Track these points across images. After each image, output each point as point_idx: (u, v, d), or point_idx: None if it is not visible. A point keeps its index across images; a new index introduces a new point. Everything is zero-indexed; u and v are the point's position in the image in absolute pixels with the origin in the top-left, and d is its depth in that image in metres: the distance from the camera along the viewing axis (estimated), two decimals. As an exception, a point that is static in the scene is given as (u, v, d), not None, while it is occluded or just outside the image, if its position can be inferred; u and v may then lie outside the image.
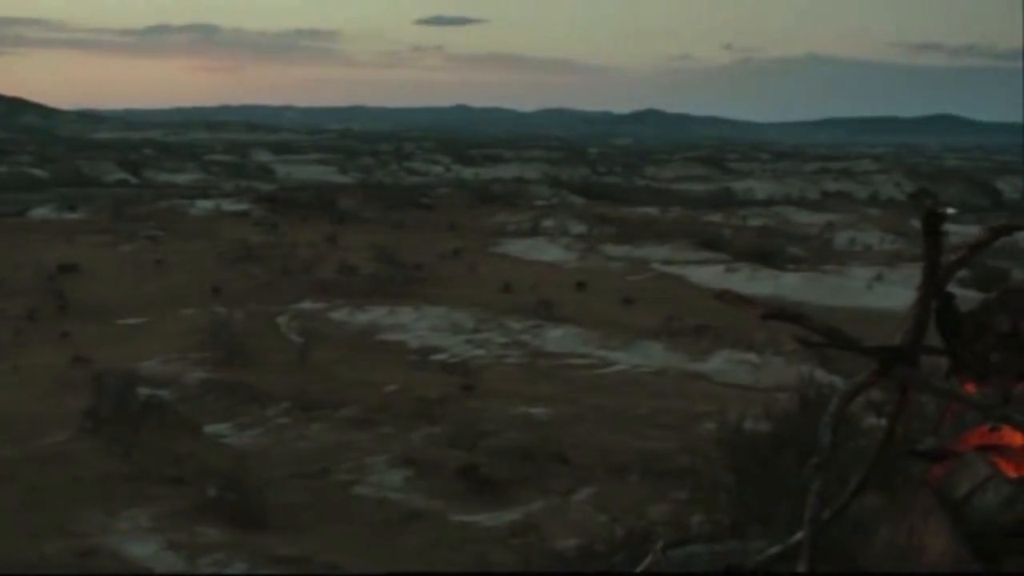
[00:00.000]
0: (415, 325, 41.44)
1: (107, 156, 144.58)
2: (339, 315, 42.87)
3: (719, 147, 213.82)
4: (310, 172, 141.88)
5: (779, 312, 5.78)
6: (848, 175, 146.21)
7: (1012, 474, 5.55)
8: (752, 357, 36.36)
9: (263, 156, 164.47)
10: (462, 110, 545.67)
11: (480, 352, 37.88)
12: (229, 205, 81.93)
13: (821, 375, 21.05)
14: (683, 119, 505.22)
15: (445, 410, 29.59)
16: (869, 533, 6.30)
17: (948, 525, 5.55)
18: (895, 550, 5.85)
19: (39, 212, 78.85)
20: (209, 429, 27.79)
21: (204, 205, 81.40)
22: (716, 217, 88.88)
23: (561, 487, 23.99)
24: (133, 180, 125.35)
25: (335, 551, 20.21)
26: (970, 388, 5.91)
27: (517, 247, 65.22)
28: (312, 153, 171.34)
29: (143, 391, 28.42)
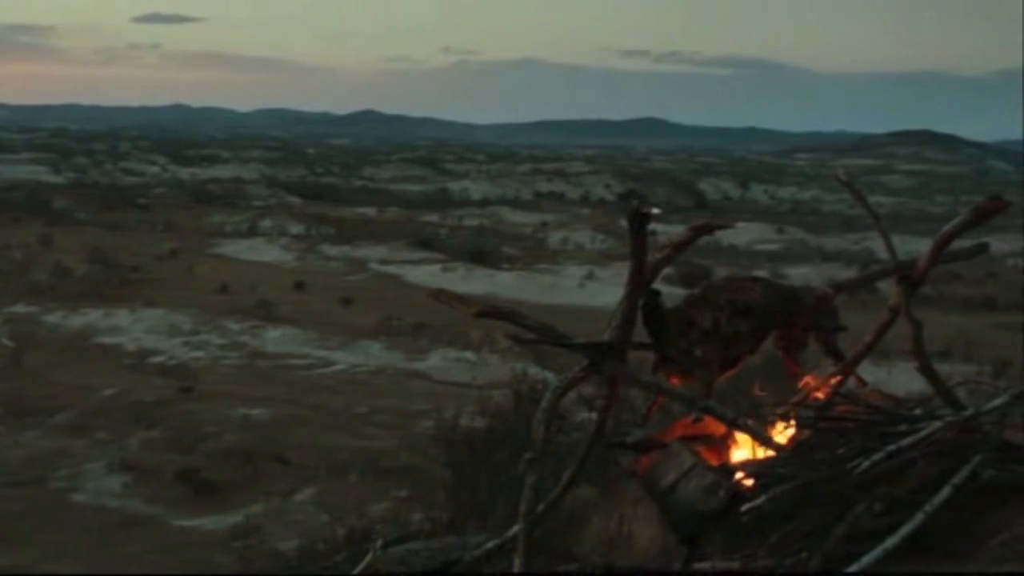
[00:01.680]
0: (132, 327, 40.50)
1: None
2: (53, 318, 41.55)
3: (436, 148, 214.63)
4: (22, 172, 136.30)
5: (492, 310, 5.90)
6: (561, 176, 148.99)
7: (714, 462, 5.81)
8: (469, 355, 36.80)
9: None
10: (179, 109, 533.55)
11: (199, 354, 37.28)
12: (-65, 206, 78.47)
13: (535, 371, 21.43)
14: (401, 120, 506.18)
15: (164, 413, 29.00)
16: (582, 524, 6.49)
17: (656, 513, 5.76)
18: (606, 539, 6.05)
19: None
20: (-85, 439, 26.61)
21: (-92, 207, 77.75)
22: (433, 217, 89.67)
23: (282, 488, 23.83)
24: None
25: (53, 560, 19.63)
26: (675, 381, 6.15)
27: (235, 248, 64.47)
28: (24, 152, 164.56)
29: None
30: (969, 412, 5.63)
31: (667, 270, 6.41)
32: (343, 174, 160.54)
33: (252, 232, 72.12)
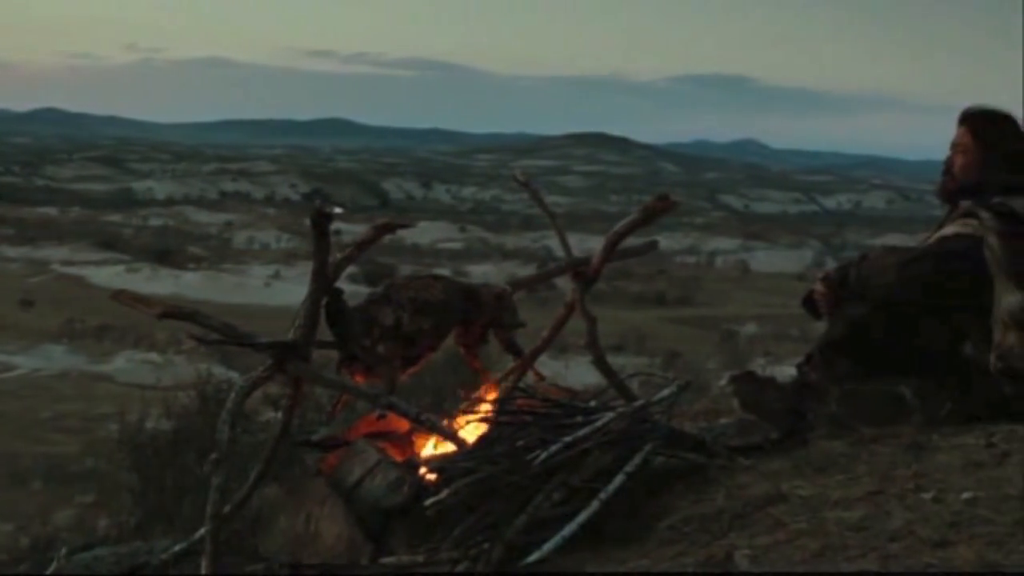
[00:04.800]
0: None
1: None
2: None
3: (120, 147, 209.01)
4: None
5: (175, 311, 5.83)
6: (246, 176, 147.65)
7: (398, 458, 5.90)
8: (154, 357, 36.22)
9: None
10: None
11: None
12: None
13: (220, 372, 21.21)
14: (83, 118, 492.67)
15: None
16: (269, 523, 6.49)
17: (342, 511, 5.82)
18: (293, 538, 6.07)
19: None
20: None
21: None
22: (117, 217, 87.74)
23: (-39, 499, 22.98)
24: None
25: None
26: (359, 379, 6.21)
27: (-97, 252, 61.62)
28: None
29: None
30: (640, 403, 5.86)
31: (351, 269, 6.46)
32: (23, 173, 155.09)
33: (-79, 234, 69.01)
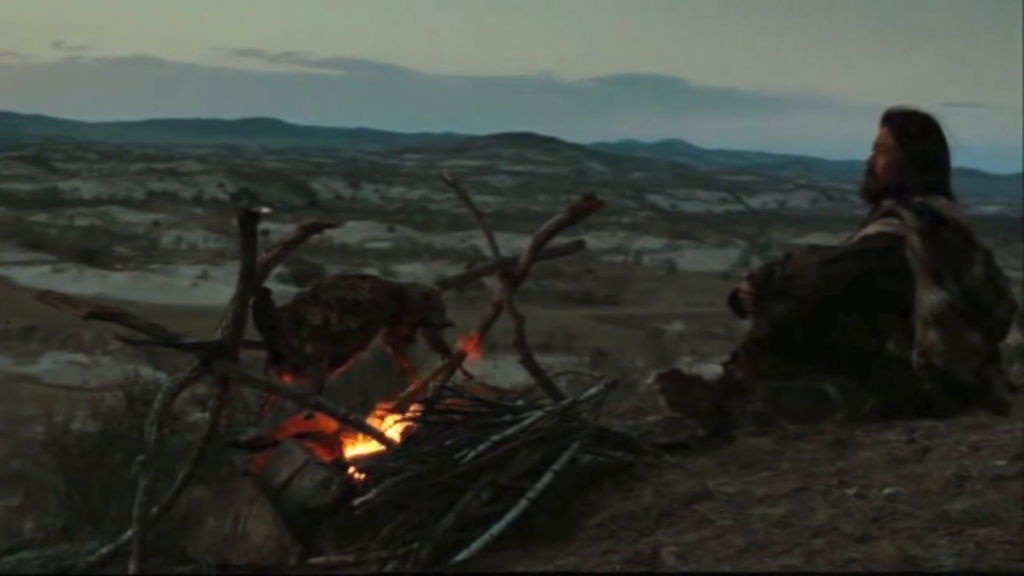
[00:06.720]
0: None
1: None
2: None
3: (45, 146, 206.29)
4: None
5: (101, 311, 5.78)
6: (173, 175, 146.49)
7: (326, 458, 5.89)
8: (81, 357, 35.88)
9: None
10: None
11: None
12: None
13: (148, 372, 21.02)
14: (8, 117, 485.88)
15: None
16: (197, 524, 6.45)
17: (270, 511, 5.80)
18: (222, 539, 6.04)
19: None
20: None
21: None
22: (42, 217, 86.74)
23: None
24: None
25: None
26: (287, 379, 6.19)
27: None
28: None
29: None
30: (567, 401, 5.88)
31: (279, 269, 6.43)
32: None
33: None
